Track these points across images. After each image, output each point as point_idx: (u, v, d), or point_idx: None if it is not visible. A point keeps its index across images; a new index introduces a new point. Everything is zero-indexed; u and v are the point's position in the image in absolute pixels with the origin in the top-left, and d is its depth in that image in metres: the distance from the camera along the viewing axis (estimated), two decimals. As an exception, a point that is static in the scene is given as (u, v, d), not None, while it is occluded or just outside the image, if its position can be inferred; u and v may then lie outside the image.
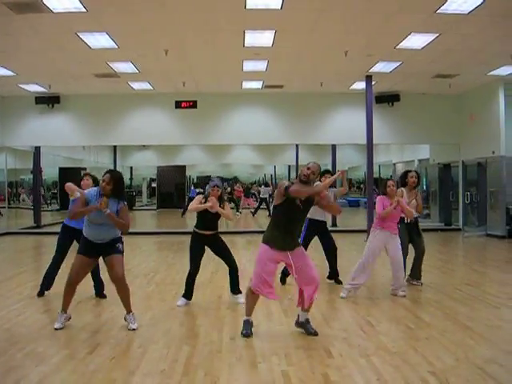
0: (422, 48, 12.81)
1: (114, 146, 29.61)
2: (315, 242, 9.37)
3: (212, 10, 10.42)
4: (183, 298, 7.71)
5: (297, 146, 28.58)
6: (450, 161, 20.28)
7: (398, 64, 14.56)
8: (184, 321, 6.85)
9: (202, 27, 11.53)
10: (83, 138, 19.34)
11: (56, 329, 6.26)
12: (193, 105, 18.35)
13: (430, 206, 22.03)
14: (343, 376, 4.82)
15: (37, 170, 19.78)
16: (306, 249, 9.02)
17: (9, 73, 15.18)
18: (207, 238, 7.72)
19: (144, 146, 28.57)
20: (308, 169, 5.97)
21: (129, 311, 6.51)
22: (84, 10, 10.16)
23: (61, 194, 31.43)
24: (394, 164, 28.93)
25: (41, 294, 8.15)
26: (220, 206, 7.63)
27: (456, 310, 7.36)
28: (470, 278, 9.98)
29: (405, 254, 8.64)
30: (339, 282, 9.19)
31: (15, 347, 5.68)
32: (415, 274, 9.06)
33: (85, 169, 27.55)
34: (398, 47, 12.82)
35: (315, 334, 6.09)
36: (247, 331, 6.10)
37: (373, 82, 16.40)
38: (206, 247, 7.80)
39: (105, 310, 7.40)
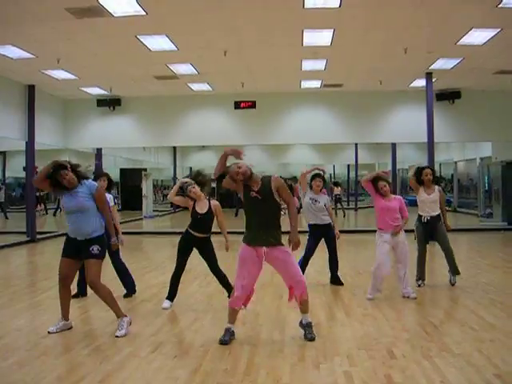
0: (484, 44, 12.51)
1: (174, 147, 30.07)
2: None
3: (270, 9, 10.44)
4: (167, 300, 7.61)
5: (356, 145, 28.50)
6: (513, 158, 19.78)
7: (458, 60, 14.28)
8: (246, 320, 6.84)
9: (261, 27, 11.58)
10: (144, 140, 19.75)
11: (49, 332, 6.21)
12: (252, 105, 18.39)
13: (492, 205, 21.59)
14: (406, 377, 4.76)
15: (98, 171, 20.14)
16: (312, 254, 9.06)
17: (71, 76, 15.55)
18: (198, 239, 7.74)
19: (203, 146, 28.85)
20: (238, 171, 5.85)
21: (118, 316, 6.39)
22: (144, 13, 10.33)
23: (122, 195, 32.10)
24: (456, 162, 28.54)
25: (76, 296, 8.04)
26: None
27: (521, 311, 7.19)
28: (535, 278, 9.74)
29: (420, 252, 8.79)
30: (339, 284, 9.03)
31: (79, 345, 5.83)
32: (454, 271, 8.79)
33: (145, 169, 28.10)
34: (458, 43, 12.56)
35: (311, 339, 5.92)
36: (224, 338, 5.91)
37: (433, 79, 16.15)
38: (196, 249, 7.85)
39: (166, 310, 7.48)
